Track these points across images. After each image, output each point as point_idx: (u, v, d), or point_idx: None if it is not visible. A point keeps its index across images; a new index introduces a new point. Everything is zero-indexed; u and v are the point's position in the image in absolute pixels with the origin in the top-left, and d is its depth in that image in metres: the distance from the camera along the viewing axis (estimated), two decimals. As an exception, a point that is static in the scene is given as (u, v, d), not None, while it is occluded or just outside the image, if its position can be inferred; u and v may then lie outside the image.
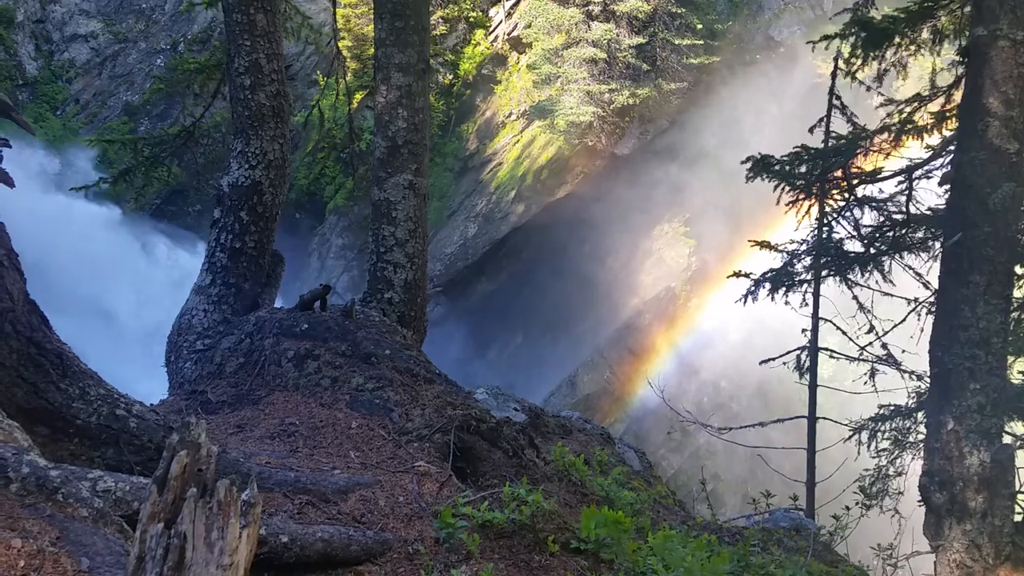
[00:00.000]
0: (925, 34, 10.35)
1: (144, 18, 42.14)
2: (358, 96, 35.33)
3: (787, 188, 12.05)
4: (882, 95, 11.35)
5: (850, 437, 12.04)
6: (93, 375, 5.78)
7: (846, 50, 11.02)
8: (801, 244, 12.84)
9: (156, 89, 32.94)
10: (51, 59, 40.88)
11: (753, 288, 12.84)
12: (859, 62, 10.92)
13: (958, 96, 9.49)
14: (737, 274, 13.11)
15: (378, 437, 6.67)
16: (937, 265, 10.13)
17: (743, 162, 11.94)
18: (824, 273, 12.57)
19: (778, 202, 12.27)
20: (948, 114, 10.49)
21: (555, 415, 10.45)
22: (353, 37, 36.86)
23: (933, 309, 9.71)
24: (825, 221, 12.65)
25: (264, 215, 9.22)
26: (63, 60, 41.03)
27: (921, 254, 11.26)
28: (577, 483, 7.01)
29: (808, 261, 12.78)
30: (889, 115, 11.10)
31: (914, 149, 11.19)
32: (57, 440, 5.45)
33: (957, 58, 9.54)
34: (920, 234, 11.11)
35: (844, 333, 13.18)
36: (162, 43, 41.16)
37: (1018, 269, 10.16)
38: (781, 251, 12.97)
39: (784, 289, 12.76)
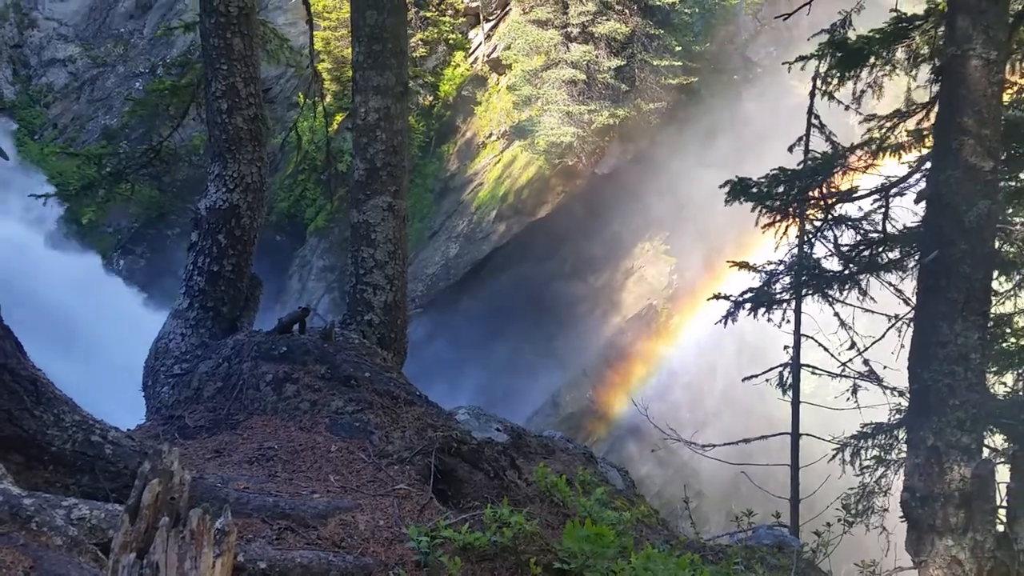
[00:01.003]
0: (900, 54, 10.46)
1: (122, 42, 42.06)
2: (338, 118, 35.38)
3: (764, 211, 12.10)
4: (860, 113, 11.44)
5: (834, 456, 12.06)
6: (68, 401, 5.72)
7: (823, 70, 11.12)
8: (779, 264, 12.88)
9: (133, 112, 32.87)
10: (29, 84, 40.73)
11: (733, 310, 12.87)
12: (835, 82, 11.02)
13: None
14: (717, 296, 13.15)
15: (358, 460, 6.61)
16: (912, 277, 10.21)
17: (721, 186, 12.00)
18: (804, 292, 12.62)
19: (756, 223, 12.32)
20: (926, 132, 10.58)
21: (538, 435, 10.38)
22: (333, 59, 36.93)
23: (912, 325, 9.76)
24: (805, 239, 12.71)
25: (242, 238, 9.17)
26: (41, 85, 40.88)
27: (898, 273, 11.34)
28: (559, 504, 6.97)
29: (788, 280, 12.83)
30: (870, 131, 11.17)
31: (890, 166, 11.28)
32: (32, 467, 5.38)
33: (932, 77, 9.64)
34: (896, 253, 11.18)
35: (826, 349, 13.24)
36: (140, 67, 41.07)
37: (995, 286, 10.24)
38: (760, 271, 13.02)
39: (764, 310, 12.79)
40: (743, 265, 13.17)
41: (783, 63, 12.17)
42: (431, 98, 40.04)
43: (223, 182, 9.10)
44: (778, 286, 12.85)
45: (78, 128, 40.53)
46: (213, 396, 7.81)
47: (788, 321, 13.15)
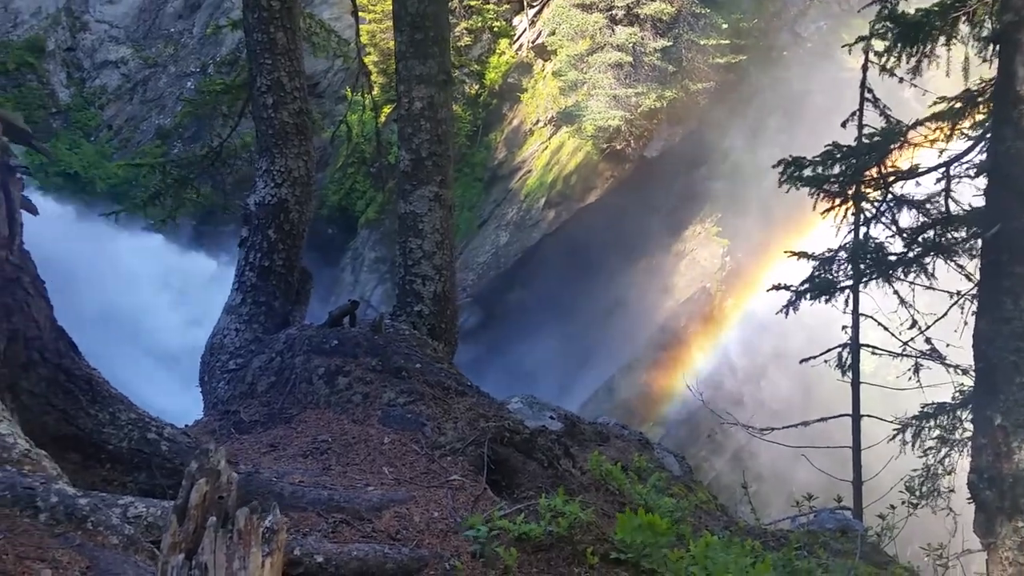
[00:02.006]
0: (959, 25, 10.12)
1: (173, 42, 42.60)
2: (386, 110, 35.50)
3: (822, 195, 11.85)
4: (916, 86, 11.11)
5: (894, 436, 11.81)
6: (123, 399, 5.77)
7: (879, 46, 10.82)
8: (839, 251, 12.63)
9: (186, 112, 33.31)
10: (83, 86, 41.45)
11: (794, 299, 12.68)
12: (894, 58, 10.69)
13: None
14: (777, 287, 12.96)
15: (411, 452, 6.60)
16: (978, 257, 9.91)
17: (775, 166, 11.78)
18: (865, 277, 12.37)
19: (814, 207, 12.11)
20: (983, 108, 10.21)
21: (592, 422, 10.32)
22: (379, 52, 36.99)
23: (976, 302, 9.51)
24: (862, 220, 12.44)
25: (291, 232, 9.21)
26: (94, 87, 41.58)
27: (965, 254, 11.02)
28: (615, 492, 6.89)
29: (847, 265, 12.59)
30: (936, 116, 10.80)
31: (952, 143, 10.93)
32: (89, 466, 5.44)
33: (991, 46, 9.33)
34: (962, 233, 10.84)
35: (886, 329, 12.96)
36: (191, 66, 41.58)
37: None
38: (819, 258, 12.81)
39: (826, 298, 12.60)
40: (801, 255, 12.99)
41: (843, 46, 11.91)
42: (477, 87, 39.94)
43: (271, 177, 9.14)
44: (840, 273, 12.63)
45: (132, 129, 41.18)
46: (267, 390, 7.86)
47: (847, 301, 12.92)
